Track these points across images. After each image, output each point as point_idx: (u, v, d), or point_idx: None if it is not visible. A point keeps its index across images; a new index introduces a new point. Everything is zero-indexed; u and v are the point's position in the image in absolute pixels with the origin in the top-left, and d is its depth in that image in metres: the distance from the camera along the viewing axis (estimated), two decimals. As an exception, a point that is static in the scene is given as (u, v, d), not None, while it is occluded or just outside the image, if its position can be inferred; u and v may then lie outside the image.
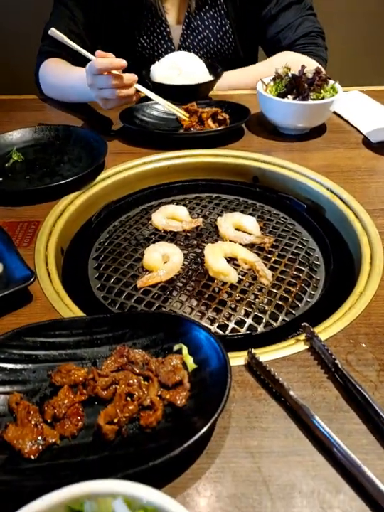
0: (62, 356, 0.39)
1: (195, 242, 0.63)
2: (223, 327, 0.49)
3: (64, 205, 0.65)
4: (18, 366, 0.37)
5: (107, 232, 0.66)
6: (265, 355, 0.41)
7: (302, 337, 0.42)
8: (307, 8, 0.99)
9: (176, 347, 0.39)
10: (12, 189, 0.67)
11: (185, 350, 0.38)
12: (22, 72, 1.31)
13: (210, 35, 1.02)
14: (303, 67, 0.78)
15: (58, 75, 0.94)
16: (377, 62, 1.34)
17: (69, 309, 0.47)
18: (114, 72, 0.75)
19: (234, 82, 0.98)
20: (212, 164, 0.76)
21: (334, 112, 0.84)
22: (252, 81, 0.93)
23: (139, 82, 0.85)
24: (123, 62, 0.75)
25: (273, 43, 1.01)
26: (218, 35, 1.02)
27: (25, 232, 0.59)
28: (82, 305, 0.49)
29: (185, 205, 0.71)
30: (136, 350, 0.39)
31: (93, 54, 1.07)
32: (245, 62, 1.06)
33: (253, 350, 0.40)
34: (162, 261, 0.57)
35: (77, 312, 0.47)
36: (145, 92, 0.81)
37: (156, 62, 0.92)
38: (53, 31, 0.77)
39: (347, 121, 0.83)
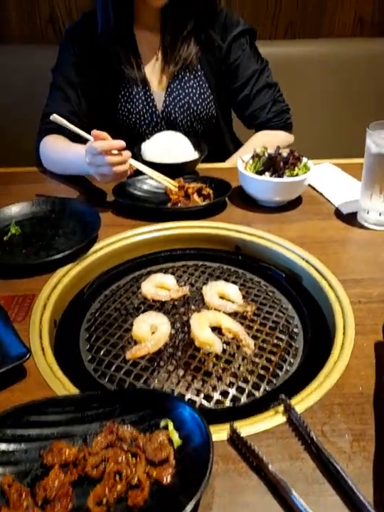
0: (54, 434, 0.41)
1: (182, 310, 0.67)
2: (209, 398, 0.51)
3: (58, 278, 0.69)
4: (11, 447, 0.39)
5: (99, 302, 0.70)
6: (246, 427, 0.43)
7: (281, 408, 0.45)
8: (277, 91, 1.16)
9: (162, 423, 0.41)
10: (9, 263, 0.71)
11: (171, 426, 0.41)
12: (22, 143, 1.41)
13: (190, 101, 1.13)
14: (278, 147, 0.87)
15: (58, 151, 1.03)
16: (347, 137, 1.47)
17: (61, 384, 0.49)
18: (113, 151, 0.82)
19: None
20: (198, 235, 0.82)
21: (309, 185, 0.92)
22: None
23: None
24: (122, 144, 0.82)
25: (249, 119, 1.17)
26: (198, 101, 1.13)
27: (21, 306, 0.63)
28: (74, 378, 0.52)
29: (173, 272, 0.75)
30: (125, 427, 0.41)
31: (88, 129, 1.17)
32: (222, 122, 1.19)
33: (235, 424, 0.42)
34: (150, 331, 0.60)
35: (69, 386, 0.49)
36: (138, 166, 0.89)
37: (146, 140, 1.01)
38: (55, 117, 0.86)
39: (320, 193, 0.91)
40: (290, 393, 0.49)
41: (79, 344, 0.61)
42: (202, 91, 1.13)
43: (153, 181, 0.94)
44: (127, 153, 0.85)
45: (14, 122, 1.51)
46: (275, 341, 0.59)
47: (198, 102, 1.13)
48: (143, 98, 1.12)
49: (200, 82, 1.12)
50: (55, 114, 0.87)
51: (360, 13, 1.53)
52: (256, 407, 0.49)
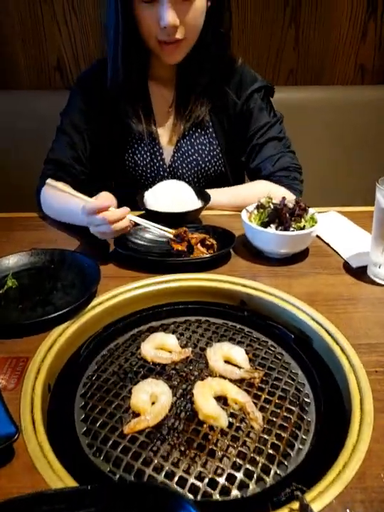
0: (40, 540, 0.36)
1: (184, 374, 0.62)
2: (213, 483, 0.46)
3: (54, 338, 0.65)
4: None
5: (96, 363, 0.66)
6: (257, 529, 0.39)
7: (295, 506, 0.40)
8: (286, 146, 1.11)
9: (162, 526, 0.37)
10: (3, 323, 0.68)
11: (171, 530, 0.36)
12: (25, 187, 1.41)
13: (198, 158, 1.12)
14: (283, 198, 0.85)
15: (58, 201, 1.01)
16: (347, 184, 1.48)
17: (51, 469, 0.45)
18: (111, 208, 0.80)
19: (217, 201, 1.05)
20: (201, 288, 0.79)
21: (316, 235, 0.89)
22: (236, 202, 1.04)
23: (132, 205, 0.93)
24: (113, 202, 0.81)
25: (254, 171, 1.12)
26: (207, 158, 1.13)
27: (13, 371, 0.59)
28: (66, 457, 0.47)
29: (174, 329, 0.72)
30: (120, 530, 0.37)
31: (93, 174, 1.16)
32: (233, 182, 1.16)
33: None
34: (150, 402, 0.56)
35: (60, 472, 0.45)
36: (137, 220, 0.87)
37: (149, 189, 1.00)
38: (50, 182, 0.86)
39: (327, 244, 0.88)
40: (303, 480, 0.44)
41: (73, 413, 0.57)
42: (212, 148, 1.12)
43: (157, 231, 0.92)
44: (125, 209, 0.83)
45: (18, 166, 1.52)
46: (285, 414, 0.55)
47: (206, 159, 1.12)
48: (151, 151, 1.11)
49: (210, 140, 1.11)
50: (49, 180, 0.88)
51: (361, 61, 1.56)
52: (267, 497, 0.44)
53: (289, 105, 1.49)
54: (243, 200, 0.97)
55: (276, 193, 0.98)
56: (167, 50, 0.96)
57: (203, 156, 1.12)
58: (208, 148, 1.12)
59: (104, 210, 0.80)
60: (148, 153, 1.11)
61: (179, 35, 0.93)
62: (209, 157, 1.12)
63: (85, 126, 1.10)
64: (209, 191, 1.03)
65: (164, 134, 1.13)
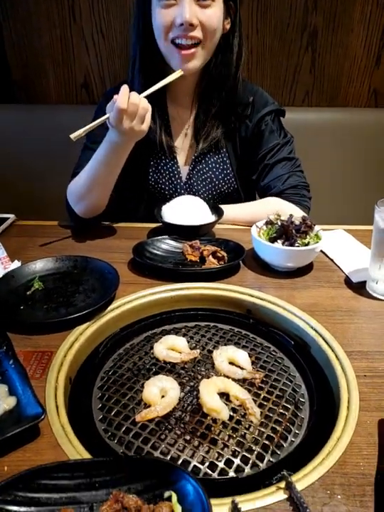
0: (62, 499, 0.43)
1: (192, 374, 0.69)
2: (213, 466, 0.52)
3: (75, 336, 0.72)
4: (22, 509, 0.41)
5: (112, 361, 0.73)
6: (247, 503, 0.44)
7: (282, 484, 0.46)
8: (296, 166, 1.18)
9: (166, 494, 0.43)
10: (30, 320, 0.75)
11: (174, 498, 0.42)
12: (47, 197, 1.50)
13: (212, 176, 1.20)
14: (291, 215, 0.91)
15: (81, 175, 1.09)
16: (359, 203, 1.52)
17: (72, 446, 0.51)
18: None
19: (231, 216, 1.13)
20: (211, 296, 0.85)
21: (321, 251, 0.95)
22: (247, 217, 1.11)
23: (150, 219, 1.02)
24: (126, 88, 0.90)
25: (264, 189, 1.19)
26: (220, 177, 1.20)
27: (39, 363, 0.66)
28: (85, 439, 0.54)
29: (185, 333, 0.78)
30: (131, 496, 0.43)
31: (115, 188, 1.22)
32: (244, 198, 1.23)
33: (236, 499, 0.44)
34: (160, 395, 0.62)
35: (80, 449, 0.51)
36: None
37: (167, 203, 1.08)
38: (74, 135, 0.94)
39: (332, 260, 0.94)
40: (293, 467, 0.50)
41: (91, 403, 0.64)
42: (225, 167, 1.19)
43: (172, 241, 1.00)
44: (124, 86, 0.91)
45: (44, 176, 1.62)
46: (281, 411, 0.60)
47: (219, 177, 1.19)
48: (170, 169, 1.20)
49: (224, 159, 1.19)
50: (72, 135, 0.94)
51: (375, 85, 1.62)
52: (259, 479, 0.50)
53: (304, 125, 1.56)
54: (255, 216, 1.03)
55: (286, 209, 1.05)
56: (184, 55, 1.01)
57: (217, 174, 1.20)
58: (221, 167, 1.19)
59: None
60: (167, 172, 1.20)
61: (196, 33, 0.99)
62: (222, 175, 1.20)
63: None
64: (223, 206, 1.10)
65: (182, 154, 1.21)
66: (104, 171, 1.03)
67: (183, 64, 1.02)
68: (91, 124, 0.95)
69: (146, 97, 1.09)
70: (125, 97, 0.89)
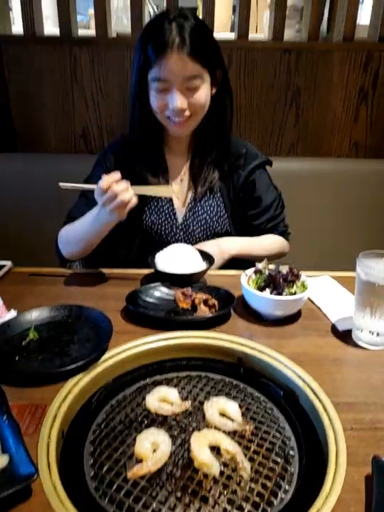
0: None
1: (183, 425, 0.69)
2: (204, 526, 0.53)
3: (69, 388, 0.73)
4: None
5: (105, 412, 0.73)
6: None
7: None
8: (280, 206, 1.33)
9: None
10: (25, 372, 0.76)
11: None
12: (45, 244, 1.54)
13: (207, 218, 1.27)
14: (278, 265, 0.95)
15: (73, 225, 1.18)
16: (343, 250, 1.58)
17: (64, 507, 0.52)
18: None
19: (235, 249, 1.24)
20: (203, 345, 0.87)
21: (308, 298, 0.98)
22: (253, 250, 1.26)
23: (144, 266, 1.08)
24: (118, 175, 0.97)
25: (256, 228, 1.32)
26: (215, 219, 1.28)
27: (33, 417, 0.67)
28: (76, 497, 0.54)
29: (176, 383, 0.79)
30: None
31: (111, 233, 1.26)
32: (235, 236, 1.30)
33: None
34: (152, 449, 0.63)
35: (71, 510, 0.51)
36: (137, 190, 1.01)
37: (160, 252, 1.12)
38: (64, 185, 1.02)
39: (318, 308, 0.97)
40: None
41: (83, 459, 0.64)
42: (219, 210, 1.28)
43: (165, 288, 1.03)
44: (127, 182, 0.98)
45: (41, 223, 1.66)
46: (271, 465, 0.61)
47: (214, 219, 1.27)
48: (166, 212, 1.27)
49: (218, 203, 1.28)
50: (61, 183, 1.01)
51: (355, 139, 1.73)
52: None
53: (290, 174, 1.64)
54: (251, 249, 1.24)
55: (277, 242, 1.30)
56: (176, 126, 1.15)
57: (212, 216, 1.28)
58: (215, 210, 1.28)
59: (114, 181, 0.95)
60: (164, 214, 1.27)
61: (187, 113, 1.11)
62: (217, 217, 1.28)
63: None
64: (223, 239, 1.22)
65: (179, 196, 1.30)
66: (93, 233, 1.12)
67: (176, 132, 1.18)
68: (81, 185, 1.03)
69: (145, 146, 1.18)
70: (110, 180, 0.96)
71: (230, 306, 0.94)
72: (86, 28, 2.35)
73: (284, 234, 1.34)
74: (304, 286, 0.92)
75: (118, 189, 0.96)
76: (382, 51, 1.60)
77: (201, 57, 1.06)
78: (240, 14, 1.57)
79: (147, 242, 1.29)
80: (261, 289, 0.93)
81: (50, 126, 1.75)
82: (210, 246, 1.20)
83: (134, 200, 1.00)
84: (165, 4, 1.64)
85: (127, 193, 0.97)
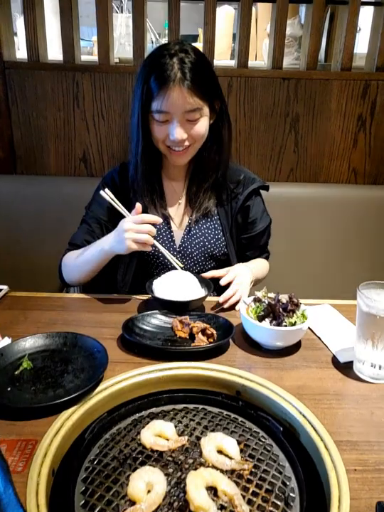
0: None
1: (179, 462, 0.67)
2: None
3: (62, 421, 0.71)
4: None
5: (98, 447, 0.70)
6: None
7: None
8: (268, 231, 1.38)
9: None
10: (16, 405, 0.74)
11: None
12: (43, 267, 1.53)
13: (205, 240, 1.28)
14: (278, 294, 0.94)
15: (78, 253, 1.22)
16: (342, 276, 1.58)
17: None
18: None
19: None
20: (201, 377, 0.85)
21: (308, 328, 0.97)
22: (258, 275, 1.31)
23: (141, 288, 1.07)
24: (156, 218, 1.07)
25: (248, 253, 1.37)
26: (212, 241, 1.28)
27: (22, 453, 0.64)
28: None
29: (173, 417, 0.77)
30: None
31: (108, 266, 1.26)
32: (233, 260, 1.32)
33: None
34: (146, 490, 0.60)
35: None
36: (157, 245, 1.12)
37: (157, 278, 1.10)
38: (104, 192, 1.15)
39: (319, 338, 0.95)
40: None
41: (74, 498, 0.61)
42: (216, 232, 1.29)
43: (162, 316, 1.01)
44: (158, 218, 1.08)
45: (40, 246, 1.65)
46: (271, 508, 0.58)
47: (212, 241, 1.28)
48: (164, 234, 1.28)
49: (216, 226, 1.30)
50: (103, 192, 1.14)
51: (354, 165, 1.74)
52: None
53: (289, 200, 1.64)
54: (256, 274, 1.28)
55: (266, 266, 1.39)
56: (175, 155, 1.18)
57: (210, 238, 1.29)
58: (213, 233, 1.29)
59: (149, 220, 1.05)
60: (162, 236, 1.29)
61: (186, 143, 1.15)
62: (214, 239, 1.29)
63: (106, 219, 1.27)
64: (244, 264, 1.27)
65: (176, 220, 1.31)
66: (96, 260, 1.18)
67: (176, 161, 1.22)
68: (118, 205, 1.16)
69: (144, 171, 1.20)
70: (147, 218, 1.06)
71: (228, 336, 0.92)
72: (89, 54, 2.40)
73: (267, 258, 1.42)
74: (304, 317, 0.90)
75: (150, 228, 1.04)
76: (380, 80, 1.63)
77: (201, 91, 1.10)
78: (240, 44, 1.60)
79: (145, 265, 1.28)
80: (260, 318, 0.91)
81: (50, 149, 1.77)
82: (243, 271, 1.21)
83: (149, 247, 1.07)
84: (167, 32, 1.67)
85: (151, 235, 1.05)
